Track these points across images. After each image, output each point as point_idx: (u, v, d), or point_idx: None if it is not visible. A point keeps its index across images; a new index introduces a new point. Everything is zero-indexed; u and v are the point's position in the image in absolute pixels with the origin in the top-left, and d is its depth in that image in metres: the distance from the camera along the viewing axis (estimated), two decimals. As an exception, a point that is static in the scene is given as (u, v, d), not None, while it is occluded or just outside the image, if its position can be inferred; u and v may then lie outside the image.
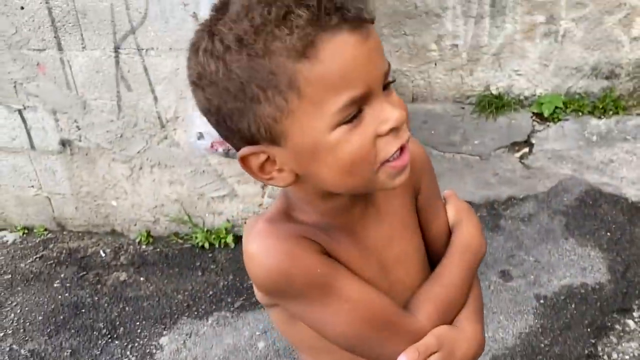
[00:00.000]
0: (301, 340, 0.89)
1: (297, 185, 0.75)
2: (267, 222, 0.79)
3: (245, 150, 0.70)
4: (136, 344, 2.37)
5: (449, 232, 0.93)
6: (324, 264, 0.77)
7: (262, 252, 0.76)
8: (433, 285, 0.86)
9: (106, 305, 2.60)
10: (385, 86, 0.70)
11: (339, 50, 0.64)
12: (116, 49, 2.44)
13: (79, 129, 2.69)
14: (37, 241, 3.06)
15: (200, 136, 2.23)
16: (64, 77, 2.56)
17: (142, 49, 2.41)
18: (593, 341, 2.10)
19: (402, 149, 0.71)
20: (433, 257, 0.93)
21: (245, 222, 2.79)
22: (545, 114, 3.42)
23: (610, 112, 3.41)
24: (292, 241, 0.76)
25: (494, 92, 3.61)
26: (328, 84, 0.64)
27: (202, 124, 2.20)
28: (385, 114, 0.68)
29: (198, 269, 2.72)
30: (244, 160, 0.72)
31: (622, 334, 2.12)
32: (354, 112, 0.66)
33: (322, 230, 0.79)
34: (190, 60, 0.69)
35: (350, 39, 0.64)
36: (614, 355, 2.05)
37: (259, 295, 0.85)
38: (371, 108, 0.67)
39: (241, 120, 0.68)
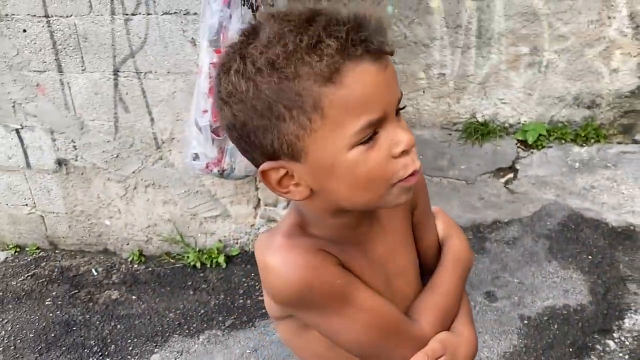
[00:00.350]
0: (309, 349, 0.94)
1: (310, 200, 0.79)
2: (286, 237, 0.83)
3: (266, 165, 0.75)
4: (127, 362, 2.40)
5: (438, 245, 1.00)
6: (342, 276, 0.82)
7: (284, 265, 0.80)
8: (432, 294, 0.93)
9: (98, 323, 2.62)
10: (397, 112, 0.76)
11: (361, 77, 0.70)
12: (115, 72, 2.51)
13: (76, 149, 2.75)
14: (29, 259, 3.08)
15: (196, 157, 2.29)
16: (62, 98, 2.63)
17: (141, 72, 2.49)
18: (575, 361, 2.17)
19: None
20: (423, 267, 1.00)
21: (237, 243, 2.85)
22: (530, 141, 3.53)
23: (592, 140, 3.52)
24: (312, 254, 0.81)
25: (480, 119, 3.72)
26: (349, 107, 0.70)
27: (197, 145, 2.27)
28: (398, 136, 0.74)
29: (189, 288, 2.76)
30: (264, 175, 0.77)
31: (602, 354, 2.19)
32: (370, 134, 0.72)
33: (334, 244, 0.84)
34: (220, 79, 0.74)
35: (371, 67, 0.70)
36: (595, 375, 2.11)
37: (271, 307, 0.90)
38: (385, 131, 0.73)
39: (265, 137, 0.73)
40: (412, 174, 0.76)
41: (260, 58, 0.69)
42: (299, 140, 0.72)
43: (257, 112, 0.71)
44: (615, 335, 2.26)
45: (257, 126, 0.72)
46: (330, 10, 0.72)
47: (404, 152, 0.75)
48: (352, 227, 0.85)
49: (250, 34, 0.73)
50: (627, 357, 2.16)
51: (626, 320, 2.31)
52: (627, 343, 2.22)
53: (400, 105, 0.77)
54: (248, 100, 0.71)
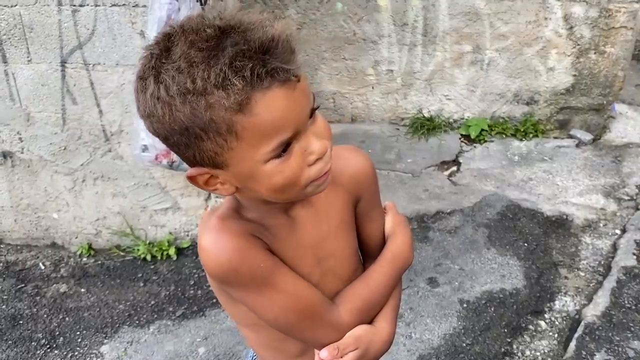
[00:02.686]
0: (244, 318, 1.00)
1: (239, 192, 0.86)
2: (220, 219, 0.89)
3: (192, 171, 0.82)
4: (76, 353, 2.39)
5: (382, 236, 1.07)
6: (266, 260, 0.89)
7: (213, 246, 0.86)
8: (360, 285, 0.99)
9: (45, 316, 2.60)
10: (311, 114, 0.81)
11: (270, 104, 0.73)
12: (63, 63, 2.50)
13: (22, 141, 2.71)
14: (-27, 254, 3.02)
15: (145, 149, 2.31)
16: (7, 89, 2.59)
17: (89, 64, 2.48)
18: (509, 340, 2.30)
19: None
20: (365, 254, 1.07)
21: (187, 235, 2.88)
22: (472, 136, 3.69)
23: (531, 135, 3.71)
24: (241, 239, 0.87)
25: (426, 115, 3.86)
26: (262, 132, 0.75)
27: (146, 137, 2.28)
28: (311, 147, 0.80)
29: (140, 280, 2.77)
30: (191, 179, 0.83)
31: (534, 333, 2.33)
32: (283, 148, 0.78)
33: (266, 227, 0.91)
34: (138, 96, 0.77)
35: (279, 92, 0.74)
36: (527, 353, 2.25)
37: (209, 279, 0.96)
38: (298, 142, 0.79)
39: (187, 151, 0.79)
40: (323, 174, 0.83)
41: (172, 85, 0.72)
42: (218, 155, 0.77)
43: (175, 132, 0.76)
44: (546, 316, 2.41)
45: (177, 142, 0.78)
46: (241, 30, 0.73)
47: (318, 159, 0.81)
48: (283, 212, 0.92)
49: (163, 48, 0.74)
50: (556, 335, 2.31)
51: (556, 302, 2.47)
52: (556, 323, 2.37)
53: (315, 105, 0.82)
54: (166, 122, 0.75)
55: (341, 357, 0.92)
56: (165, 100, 0.73)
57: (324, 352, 0.92)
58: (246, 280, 0.87)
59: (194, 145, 0.76)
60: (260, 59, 0.71)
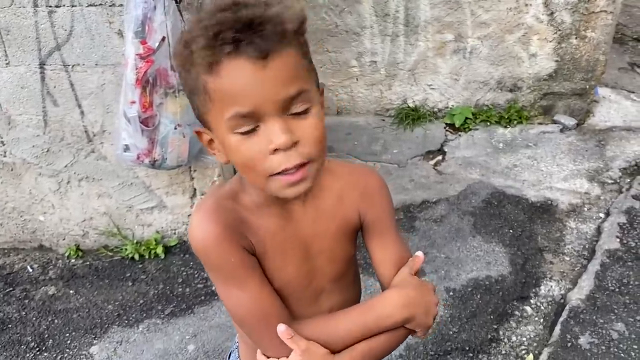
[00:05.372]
0: None
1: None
2: (215, 201, 0.94)
3: (198, 127, 0.90)
4: (66, 355, 2.39)
5: (393, 272, 1.02)
6: (239, 258, 0.91)
7: (197, 224, 0.92)
8: (325, 318, 0.99)
9: (34, 319, 2.60)
10: (304, 112, 0.81)
11: (234, 72, 0.77)
12: (41, 65, 2.48)
13: (4, 145, 2.70)
14: (-40, 259, 3.00)
15: (127, 148, 2.30)
16: (-13, 93, 2.57)
17: (68, 65, 2.46)
18: (495, 326, 2.32)
19: (299, 167, 0.82)
20: (380, 282, 1.05)
21: (174, 233, 2.88)
22: (457, 125, 3.70)
23: (515, 122, 3.72)
24: (222, 228, 0.90)
25: (411, 105, 3.86)
26: (224, 97, 0.79)
27: (127, 137, 2.28)
28: (273, 135, 0.79)
29: (128, 279, 2.77)
30: (198, 134, 0.91)
31: (520, 319, 2.36)
32: (245, 124, 0.80)
33: (259, 213, 0.94)
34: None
35: (246, 65, 0.76)
36: (514, 338, 2.27)
37: None
38: (265, 126, 0.80)
39: (192, 103, 0.87)
40: (291, 174, 0.82)
41: (181, 39, 0.82)
42: (205, 114, 0.85)
43: (183, 79, 0.85)
44: (532, 301, 2.43)
45: (188, 94, 0.87)
46: (252, 4, 0.78)
47: (278, 151, 0.80)
48: (281, 202, 0.93)
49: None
50: (542, 320, 2.33)
51: (542, 287, 2.49)
52: (542, 308, 2.39)
53: (300, 108, 0.80)
54: (179, 74, 0.85)
55: (289, 341, 0.91)
56: (176, 52, 0.84)
57: (281, 327, 0.92)
58: (215, 267, 0.92)
59: (193, 96, 0.84)
60: (236, 29, 0.75)
